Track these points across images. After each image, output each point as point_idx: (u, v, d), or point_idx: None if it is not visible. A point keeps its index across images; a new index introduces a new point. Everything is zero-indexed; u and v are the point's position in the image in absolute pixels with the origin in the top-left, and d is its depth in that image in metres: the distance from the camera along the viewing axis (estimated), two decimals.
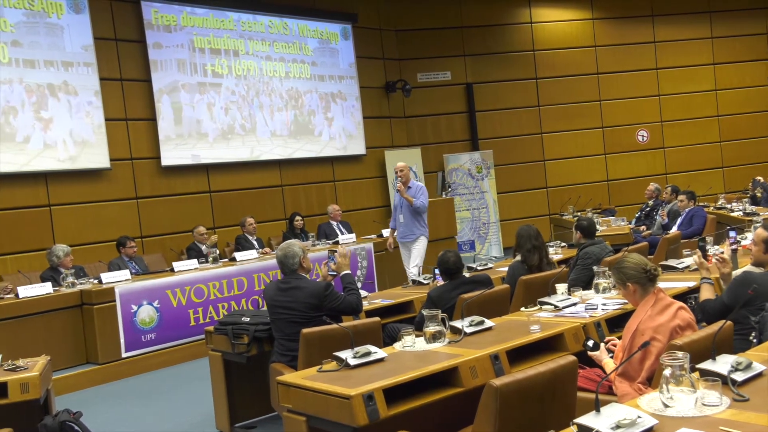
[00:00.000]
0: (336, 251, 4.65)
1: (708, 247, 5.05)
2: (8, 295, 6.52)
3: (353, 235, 9.29)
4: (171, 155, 9.38)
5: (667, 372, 2.33)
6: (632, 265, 3.28)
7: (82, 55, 8.54)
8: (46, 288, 6.61)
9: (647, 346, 2.96)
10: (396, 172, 7.61)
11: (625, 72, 13.36)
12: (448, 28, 12.70)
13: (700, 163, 13.58)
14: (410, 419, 3.00)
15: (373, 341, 3.69)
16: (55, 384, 4.57)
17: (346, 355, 3.31)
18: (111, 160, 8.76)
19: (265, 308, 4.50)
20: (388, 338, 4.71)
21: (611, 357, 3.33)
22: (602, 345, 3.36)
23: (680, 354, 2.36)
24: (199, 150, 9.67)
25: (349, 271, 4.57)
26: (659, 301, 3.21)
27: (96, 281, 6.98)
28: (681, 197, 8.69)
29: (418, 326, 4.16)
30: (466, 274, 5.02)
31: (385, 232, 8.68)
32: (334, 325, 3.83)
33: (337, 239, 9.10)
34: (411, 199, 7.44)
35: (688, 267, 5.13)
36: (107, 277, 6.92)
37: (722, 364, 2.54)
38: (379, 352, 3.36)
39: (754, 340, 3.33)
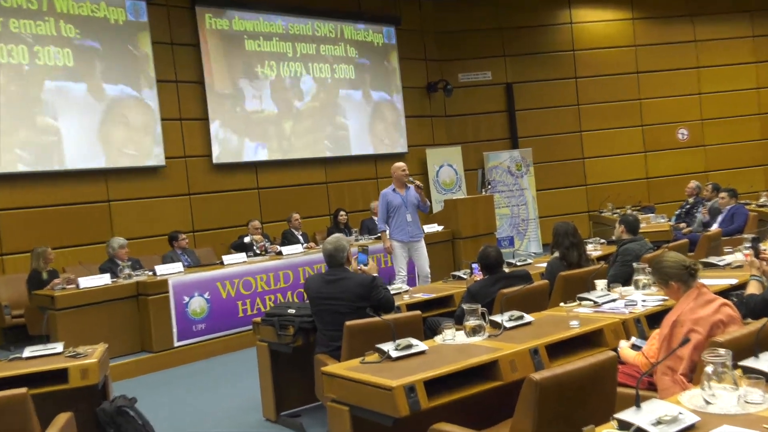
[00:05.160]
0: (368, 248, 4.87)
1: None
2: (70, 286, 6.79)
3: None
4: (222, 153, 9.72)
5: (708, 369, 2.29)
6: (672, 263, 3.22)
7: (140, 58, 8.93)
8: (104, 279, 6.87)
9: (687, 342, 2.92)
10: (404, 170, 7.18)
11: (665, 71, 13.21)
12: (489, 30, 12.76)
13: (741, 161, 13.33)
14: (450, 411, 3.02)
15: (414, 334, 3.70)
16: (112, 370, 4.61)
17: (388, 347, 3.33)
18: (166, 158, 9.12)
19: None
20: (428, 331, 4.65)
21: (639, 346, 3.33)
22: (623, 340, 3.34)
23: (722, 351, 2.32)
24: (248, 149, 9.99)
25: (377, 275, 4.65)
26: (702, 296, 3.15)
27: (151, 273, 7.23)
28: (722, 194, 8.54)
29: (458, 320, 4.18)
30: (506, 270, 4.97)
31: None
32: (377, 318, 3.85)
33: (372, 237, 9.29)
34: (425, 198, 7.28)
35: (729, 264, 5.04)
36: (161, 269, 7.16)
37: (765, 361, 2.51)
38: (420, 345, 3.38)
39: None
